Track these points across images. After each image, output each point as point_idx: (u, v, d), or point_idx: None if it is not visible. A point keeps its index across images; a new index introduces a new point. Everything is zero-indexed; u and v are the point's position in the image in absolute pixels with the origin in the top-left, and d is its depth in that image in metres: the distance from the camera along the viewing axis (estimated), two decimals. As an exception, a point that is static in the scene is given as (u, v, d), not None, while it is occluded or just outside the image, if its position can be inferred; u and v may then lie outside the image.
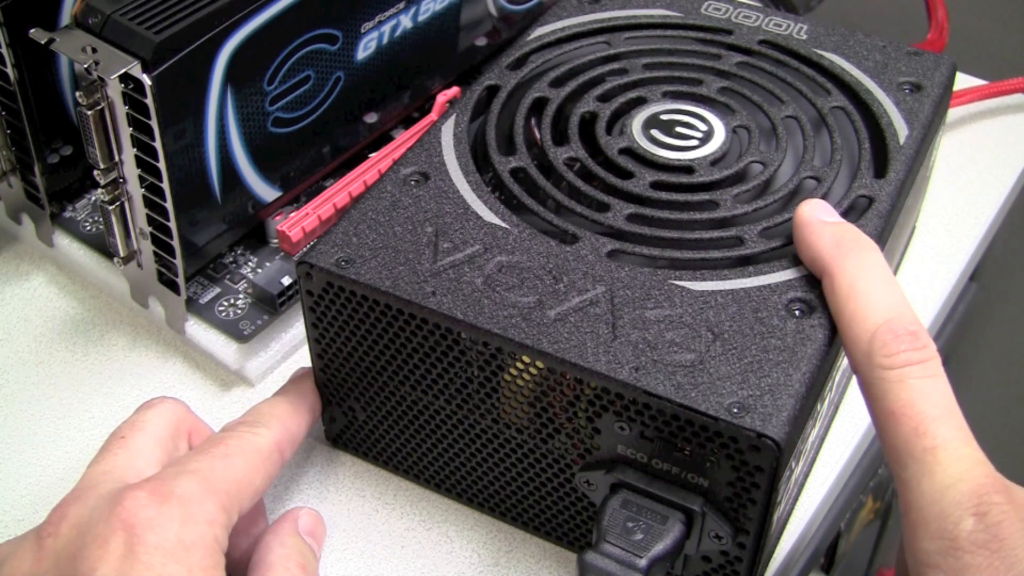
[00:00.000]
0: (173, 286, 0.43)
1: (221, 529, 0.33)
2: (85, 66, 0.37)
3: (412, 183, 0.39)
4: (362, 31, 0.46)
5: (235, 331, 0.44)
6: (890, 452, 0.32)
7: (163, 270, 0.43)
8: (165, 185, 0.40)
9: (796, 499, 0.40)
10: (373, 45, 0.47)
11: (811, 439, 0.37)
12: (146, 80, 0.37)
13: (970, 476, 0.30)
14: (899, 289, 0.34)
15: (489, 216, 0.38)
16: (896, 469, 0.31)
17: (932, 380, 0.32)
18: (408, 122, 0.51)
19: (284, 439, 0.37)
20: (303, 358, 0.45)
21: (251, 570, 0.36)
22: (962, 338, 0.63)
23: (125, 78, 0.37)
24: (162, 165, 0.39)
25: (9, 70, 0.42)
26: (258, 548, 0.36)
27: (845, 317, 0.34)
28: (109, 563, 0.31)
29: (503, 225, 0.37)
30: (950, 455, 0.30)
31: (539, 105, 0.43)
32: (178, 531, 0.32)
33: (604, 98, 0.43)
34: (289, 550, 0.36)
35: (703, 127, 0.41)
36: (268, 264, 0.46)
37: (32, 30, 0.39)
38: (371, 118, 0.49)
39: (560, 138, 0.41)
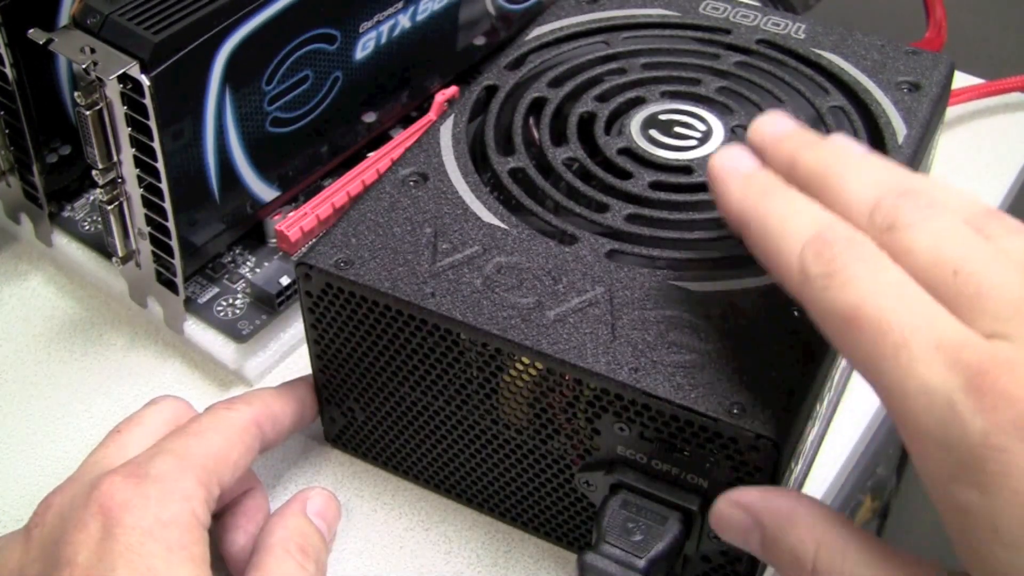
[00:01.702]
0: (172, 286, 0.43)
1: (200, 504, 0.34)
2: (83, 66, 0.37)
3: (411, 184, 0.39)
4: (360, 31, 0.46)
5: (234, 331, 0.44)
6: (862, 368, 0.28)
7: (162, 270, 0.43)
8: (164, 185, 0.40)
9: (795, 499, 0.40)
10: (371, 45, 0.47)
11: (810, 439, 0.37)
12: (144, 80, 0.37)
13: (960, 361, 0.26)
14: (823, 210, 0.30)
15: (488, 217, 0.38)
16: (876, 386, 0.27)
17: (882, 271, 0.28)
18: (406, 122, 0.51)
19: (263, 415, 0.37)
20: (302, 358, 0.45)
21: (252, 554, 0.36)
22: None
23: (123, 78, 0.37)
24: (160, 165, 0.39)
25: (8, 70, 0.42)
26: (261, 531, 0.36)
27: (769, 255, 0.30)
28: (88, 547, 0.32)
29: (502, 226, 0.38)
30: (924, 341, 0.26)
31: (537, 105, 0.43)
32: (155, 510, 0.32)
33: (602, 98, 0.43)
34: (290, 532, 0.36)
35: (702, 127, 0.41)
36: (266, 264, 0.46)
37: (31, 30, 0.39)
38: (370, 118, 0.49)
39: (559, 138, 0.41)
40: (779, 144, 0.33)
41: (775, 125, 0.33)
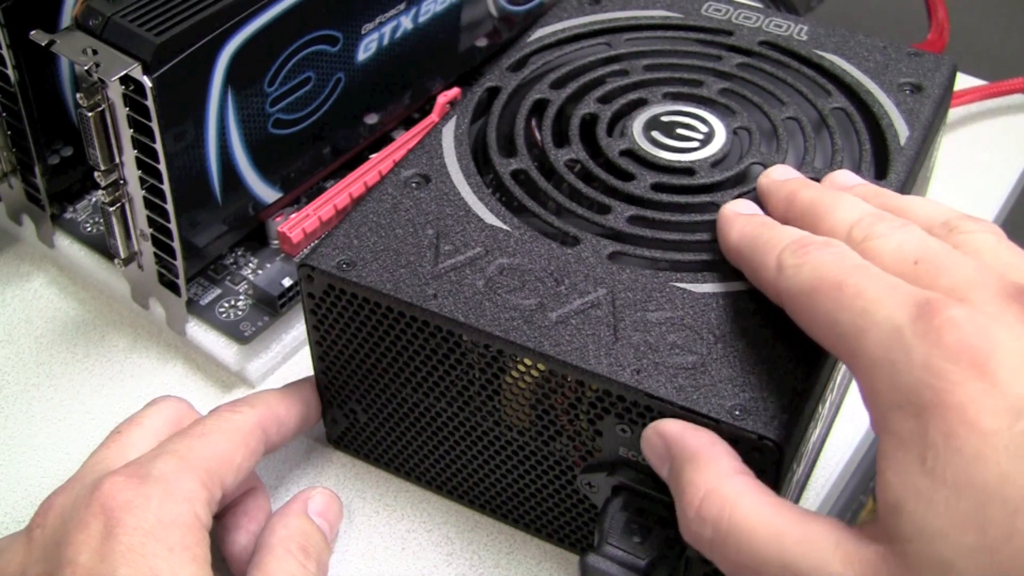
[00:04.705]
0: (174, 287, 0.43)
1: (202, 506, 0.34)
2: (86, 68, 0.37)
3: (413, 185, 0.39)
4: (363, 32, 0.46)
5: (236, 332, 0.44)
6: (822, 329, 0.30)
7: (164, 271, 0.43)
8: (166, 187, 0.40)
9: (797, 501, 0.40)
10: (374, 46, 0.47)
11: (812, 441, 0.37)
12: (147, 82, 0.37)
13: (912, 298, 0.28)
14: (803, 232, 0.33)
15: (490, 218, 0.38)
16: (834, 339, 0.29)
17: (848, 257, 0.30)
18: (408, 123, 0.51)
19: (268, 418, 0.37)
20: (304, 359, 0.45)
21: (253, 553, 0.36)
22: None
23: (126, 80, 0.37)
24: (162, 167, 0.39)
25: (10, 71, 0.42)
26: (263, 531, 0.36)
27: (754, 266, 0.33)
28: (90, 547, 0.32)
29: (504, 227, 0.38)
30: (878, 288, 0.29)
31: (540, 107, 0.43)
32: (156, 510, 0.32)
33: (605, 99, 0.43)
34: (292, 531, 0.36)
35: (704, 128, 0.41)
36: (268, 265, 0.46)
37: (33, 32, 0.39)
38: (371, 119, 0.49)
39: (561, 140, 0.41)
40: (782, 184, 0.36)
41: (782, 172, 0.37)
